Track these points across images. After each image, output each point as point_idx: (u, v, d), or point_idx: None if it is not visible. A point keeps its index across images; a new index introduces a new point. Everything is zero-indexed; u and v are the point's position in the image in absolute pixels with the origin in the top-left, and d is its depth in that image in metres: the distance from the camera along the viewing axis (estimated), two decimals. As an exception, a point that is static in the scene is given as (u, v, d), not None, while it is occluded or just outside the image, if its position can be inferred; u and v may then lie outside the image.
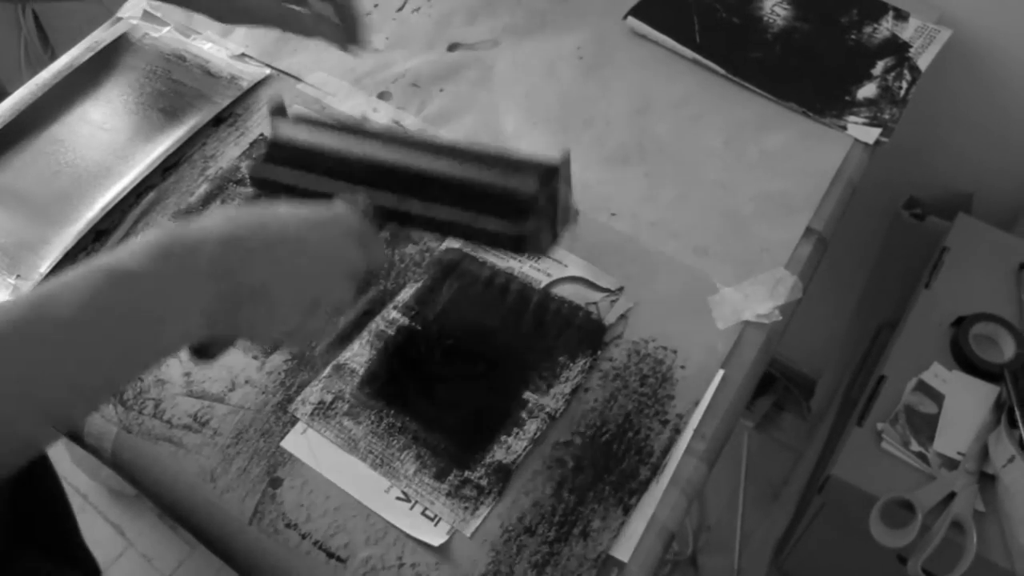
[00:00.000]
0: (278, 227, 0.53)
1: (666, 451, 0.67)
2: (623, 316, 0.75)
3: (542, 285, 0.76)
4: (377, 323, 0.74)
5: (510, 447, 0.67)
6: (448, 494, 0.66)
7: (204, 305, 0.49)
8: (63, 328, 0.44)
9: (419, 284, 0.76)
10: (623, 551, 0.63)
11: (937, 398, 0.88)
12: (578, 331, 0.73)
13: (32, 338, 0.43)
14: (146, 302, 0.47)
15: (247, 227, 0.52)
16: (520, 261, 0.77)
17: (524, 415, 0.69)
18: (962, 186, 1.15)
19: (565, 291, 0.75)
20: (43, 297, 0.44)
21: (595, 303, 0.75)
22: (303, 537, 0.65)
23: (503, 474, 0.66)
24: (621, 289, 0.75)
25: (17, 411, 0.42)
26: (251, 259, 0.51)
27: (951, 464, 0.84)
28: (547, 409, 0.69)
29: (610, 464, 0.67)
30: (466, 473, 0.67)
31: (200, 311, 0.49)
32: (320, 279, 0.56)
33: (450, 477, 0.66)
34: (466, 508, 0.65)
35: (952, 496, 0.82)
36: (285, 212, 0.55)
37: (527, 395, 0.70)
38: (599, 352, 0.72)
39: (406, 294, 0.76)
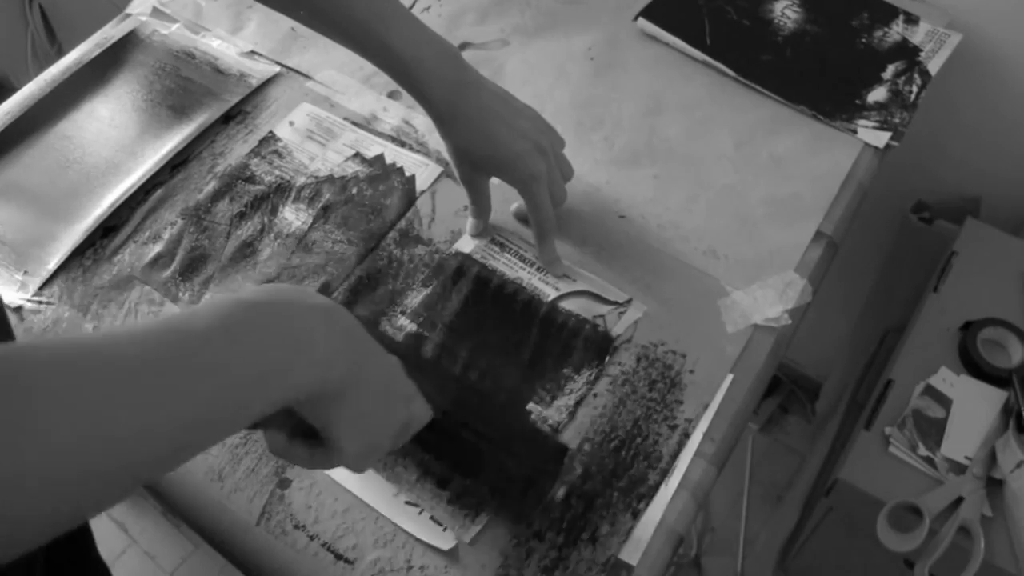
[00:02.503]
0: (365, 335, 0.52)
1: (675, 456, 0.67)
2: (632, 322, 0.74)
3: (550, 298, 0.75)
4: (384, 327, 0.74)
5: None
6: (449, 501, 0.65)
7: (317, 352, 0.46)
8: (195, 346, 0.41)
9: (427, 290, 0.76)
10: (632, 555, 0.63)
11: (945, 402, 0.88)
12: (584, 343, 0.73)
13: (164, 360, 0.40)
14: (270, 326, 0.45)
15: (349, 316, 0.51)
16: (529, 273, 0.77)
17: None
18: (970, 190, 1.14)
19: (573, 304, 0.75)
20: (175, 320, 0.42)
21: (602, 316, 0.74)
22: (311, 538, 0.64)
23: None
24: (630, 301, 0.75)
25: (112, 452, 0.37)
26: (354, 342, 0.50)
27: (959, 469, 0.84)
28: (550, 421, 0.69)
29: (619, 470, 0.67)
30: (468, 481, 0.66)
31: (311, 361, 0.46)
32: (391, 408, 0.54)
33: (452, 484, 0.66)
34: (466, 515, 0.65)
35: (960, 501, 0.82)
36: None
37: (531, 406, 0.70)
38: (604, 364, 0.72)
39: (414, 299, 0.75)
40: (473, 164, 0.74)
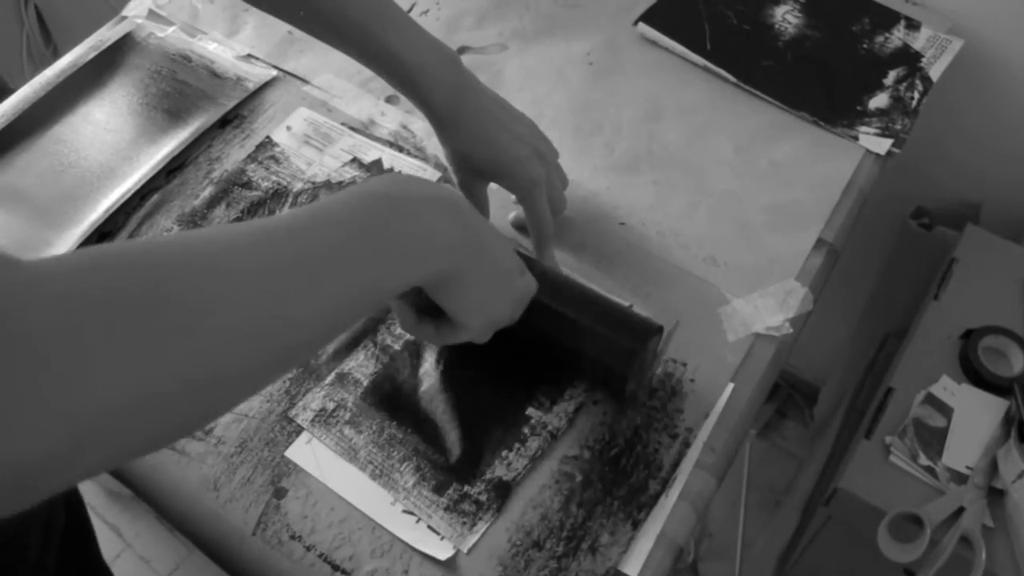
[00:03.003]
0: (480, 219, 0.57)
1: (675, 465, 0.67)
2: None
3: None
4: (383, 336, 0.73)
5: (511, 463, 0.66)
6: (447, 508, 0.65)
7: (441, 239, 0.51)
8: (339, 240, 0.46)
9: None
10: (632, 566, 0.63)
11: (946, 411, 0.87)
12: None
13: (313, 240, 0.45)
14: (402, 219, 0.49)
15: (467, 203, 0.56)
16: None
17: (527, 431, 0.68)
18: (970, 196, 1.14)
19: None
20: (315, 213, 0.47)
21: None
22: (307, 549, 0.64)
23: (503, 490, 0.65)
24: (630, 307, 0.74)
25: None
26: (472, 226, 0.55)
27: (960, 478, 0.83)
28: (549, 427, 0.68)
29: (619, 478, 0.66)
30: (465, 488, 0.66)
31: (436, 248, 0.51)
32: (507, 282, 0.60)
33: (449, 491, 0.65)
34: (464, 523, 0.64)
35: (961, 511, 0.82)
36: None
37: (530, 411, 0.69)
38: None
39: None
40: (473, 169, 0.74)
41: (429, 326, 0.60)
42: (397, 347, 0.72)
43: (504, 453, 0.67)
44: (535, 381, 0.70)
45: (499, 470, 0.66)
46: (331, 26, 0.70)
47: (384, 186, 0.50)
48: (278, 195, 0.82)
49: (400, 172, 0.55)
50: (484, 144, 0.71)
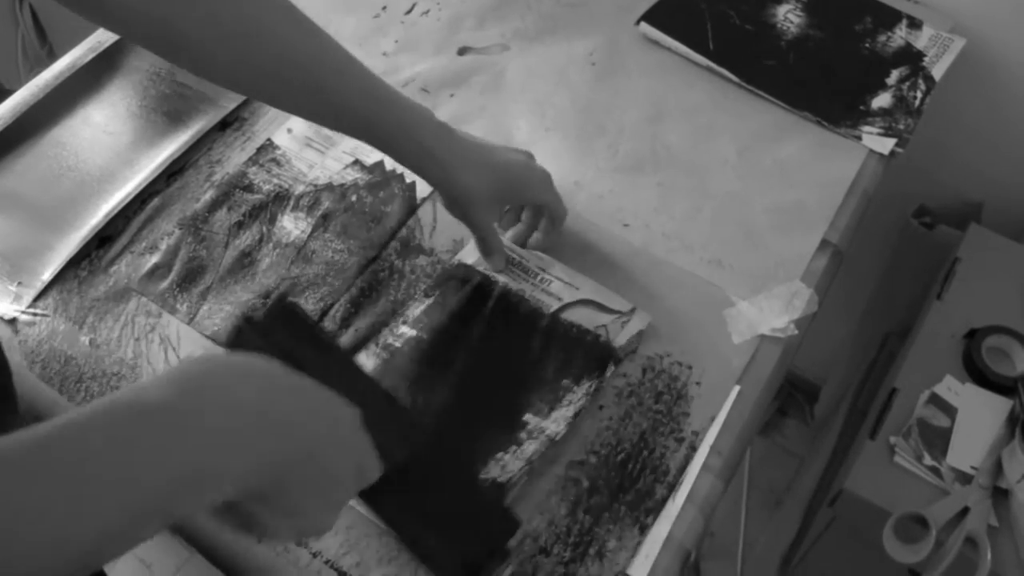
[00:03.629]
0: (322, 395, 0.49)
1: (682, 469, 0.67)
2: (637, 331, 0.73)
3: (552, 309, 0.74)
4: (385, 336, 0.73)
5: (505, 465, 0.66)
6: None
7: (258, 442, 0.44)
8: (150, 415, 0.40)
9: (429, 300, 0.74)
10: (639, 570, 0.63)
11: (950, 411, 0.87)
12: (585, 354, 0.71)
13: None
14: (171, 438, 0.41)
15: (293, 378, 0.48)
16: (532, 284, 0.75)
17: (524, 435, 0.68)
18: (973, 195, 1.14)
19: (575, 315, 0.74)
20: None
21: (604, 325, 0.73)
22: (314, 556, 0.63)
23: (497, 491, 0.65)
24: (633, 310, 0.74)
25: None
26: (305, 407, 0.47)
27: (964, 479, 0.83)
28: (547, 432, 0.68)
29: (625, 483, 0.66)
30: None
31: (254, 451, 0.43)
32: (348, 466, 0.51)
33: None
34: None
35: (966, 511, 0.82)
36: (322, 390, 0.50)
37: (527, 417, 0.68)
38: (605, 375, 0.70)
39: (416, 308, 0.74)
40: (495, 200, 0.73)
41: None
42: (398, 344, 0.72)
43: (499, 455, 0.66)
44: (533, 387, 0.70)
45: (493, 471, 0.66)
46: (296, 84, 0.65)
47: (180, 390, 0.42)
48: (280, 198, 0.82)
49: (219, 366, 0.46)
50: (493, 167, 0.71)
